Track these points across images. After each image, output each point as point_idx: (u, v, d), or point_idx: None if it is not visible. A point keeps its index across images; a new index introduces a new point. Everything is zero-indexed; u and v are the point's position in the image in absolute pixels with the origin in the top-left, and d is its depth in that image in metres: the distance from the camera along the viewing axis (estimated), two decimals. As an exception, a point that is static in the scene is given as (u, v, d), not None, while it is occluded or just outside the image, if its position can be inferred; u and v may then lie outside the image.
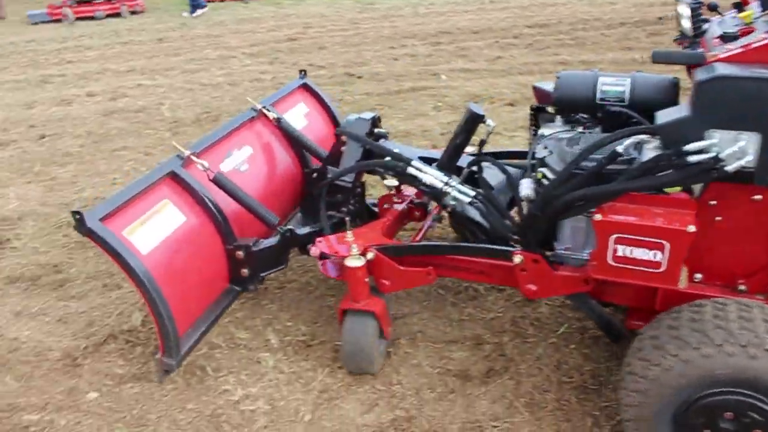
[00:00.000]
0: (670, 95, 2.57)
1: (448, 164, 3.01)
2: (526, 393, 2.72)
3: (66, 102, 7.66)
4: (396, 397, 2.74)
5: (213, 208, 2.81)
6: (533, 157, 2.61)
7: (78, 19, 14.03)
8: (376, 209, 3.46)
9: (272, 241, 2.97)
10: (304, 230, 3.09)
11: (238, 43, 10.61)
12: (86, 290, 3.67)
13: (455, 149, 3.02)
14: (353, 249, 2.72)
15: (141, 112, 6.98)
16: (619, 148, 2.16)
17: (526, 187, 2.54)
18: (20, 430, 2.65)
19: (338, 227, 3.12)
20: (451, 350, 3.00)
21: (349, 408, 2.70)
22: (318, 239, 2.90)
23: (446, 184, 2.77)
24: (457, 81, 7.49)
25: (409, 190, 3.38)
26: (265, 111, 3.41)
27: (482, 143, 2.98)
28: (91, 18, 14.14)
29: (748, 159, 1.99)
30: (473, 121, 2.93)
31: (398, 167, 2.86)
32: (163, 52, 10.34)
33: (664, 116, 2.19)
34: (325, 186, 3.15)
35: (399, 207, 3.30)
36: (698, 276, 2.32)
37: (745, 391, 1.93)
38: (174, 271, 2.58)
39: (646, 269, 2.14)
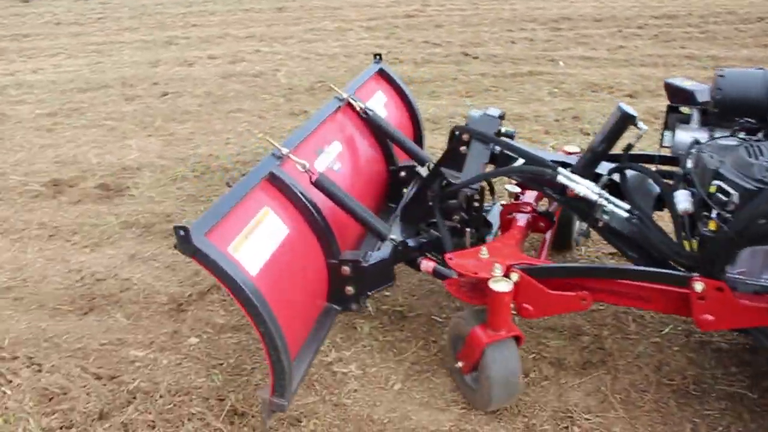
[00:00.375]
0: None
1: (584, 171, 2.63)
2: (623, 390, 2.61)
3: (188, 63, 7.95)
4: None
5: (317, 216, 2.46)
6: (688, 166, 2.37)
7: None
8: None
9: (383, 254, 2.61)
10: (415, 242, 2.76)
11: (356, 16, 10.68)
12: (195, 241, 3.80)
13: (596, 155, 2.64)
14: (496, 270, 2.37)
15: (258, 77, 7.15)
16: None
17: (684, 201, 2.27)
18: (126, 362, 2.79)
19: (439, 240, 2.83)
20: (548, 337, 2.92)
21: (439, 382, 2.68)
22: (448, 256, 2.54)
23: (600, 195, 2.47)
24: (576, 68, 7.24)
25: (530, 198, 3.11)
26: (351, 101, 3.14)
27: (629, 147, 2.58)
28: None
29: None
30: (623, 122, 2.53)
31: (546, 174, 2.54)
32: (282, 21, 10.54)
33: None
34: (448, 194, 2.84)
35: (525, 217, 2.98)
36: None
37: None
38: (283, 294, 2.25)
39: None
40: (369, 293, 2.60)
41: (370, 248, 2.71)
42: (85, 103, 6.50)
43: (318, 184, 2.51)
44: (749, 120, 2.46)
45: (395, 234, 2.69)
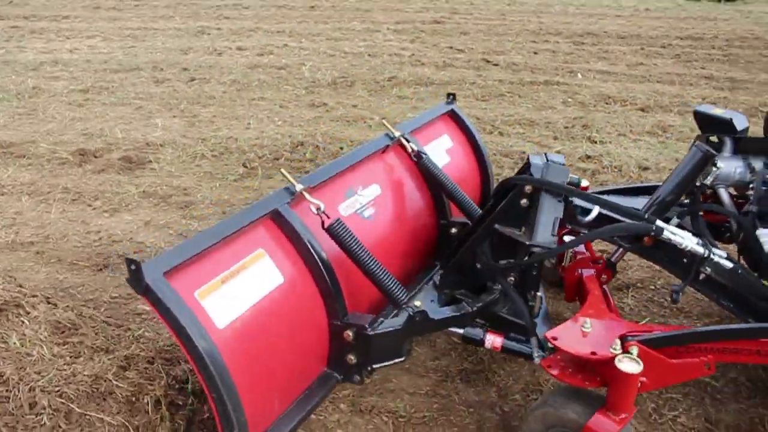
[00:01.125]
0: None
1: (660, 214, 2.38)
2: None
3: (217, 53, 8.23)
4: (468, 351, 2.88)
5: (322, 266, 2.08)
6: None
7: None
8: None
9: (397, 322, 2.18)
10: (442, 314, 2.36)
11: (384, 19, 10.92)
12: (207, 214, 4.02)
13: (669, 203, 2.44)
14: (617, 346, 2.02)
15: (283, 69, 7.40)
16: None
17: None
18: (134, 314, 3.01)
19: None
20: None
21: (421, 352, 2.86)
22: (551, 335, 2.14)
23: (706, 247, 2.20)
24: (593, 81, 7.40)
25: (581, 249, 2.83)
26: (403, 140, 2.73)
27: (702, 187, 2.43)
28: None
29: None
30: (703, 162, 2.36)
31: (649, 231, 2.19)
32: (313, 18, 10.81)
33: None
34: (531, 263, 2.34)
35: (591, 272, 2.66)
36: None
37: None
38: (257, 354, 1.88)
39: None
40: (374, 367, 2.19)
41: (388, 314, 2.30)
42: (115, 83, 6.78)
43: (330, 230, 2.10)
44: None
45: (420, 301, 2.27)
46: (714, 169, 2.39)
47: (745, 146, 2.54)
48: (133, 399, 2.14)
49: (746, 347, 2.10)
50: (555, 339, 2.12)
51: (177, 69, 7.36)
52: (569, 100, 6.58)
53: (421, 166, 2.74)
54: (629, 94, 6.87)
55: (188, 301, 1.69)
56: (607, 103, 6.50)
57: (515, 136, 5.44)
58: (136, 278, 1.65)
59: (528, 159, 2.44)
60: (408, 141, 2.73)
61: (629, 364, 1.96)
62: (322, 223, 2.10)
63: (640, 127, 5.84)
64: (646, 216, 2.27)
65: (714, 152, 2.36)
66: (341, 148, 4.95)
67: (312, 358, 2.13)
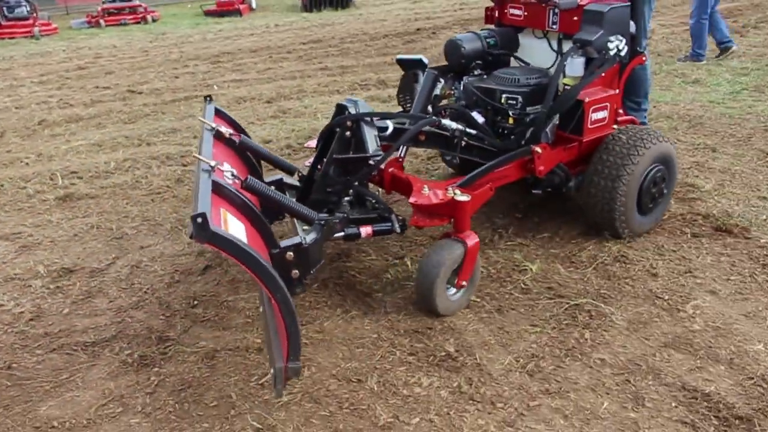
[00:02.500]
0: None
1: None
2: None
3: None
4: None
5: (253, 212, 2.72)
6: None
7: None
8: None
9: (316, 233, 2.94)
10: (337, 219, 3.13)
11: (27, 74, 11.06)
12: None
13: (424, 105, 3.93)
14: (450, 192, 3.24)
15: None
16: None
17: (479, 116, 3.71)
18: None
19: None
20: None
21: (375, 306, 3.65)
22: (412, 200, 3.27)
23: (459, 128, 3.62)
24: (228, 90, 8.59)
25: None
26: (221, 130, 3.33)
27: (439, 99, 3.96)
28: None
29: (625, 48, 3.56)
30: (435, 80, 3.95)
31: (436, 122, 3.55)
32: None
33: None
34: (367, 171, 3.32)
35: (396, 170, 3.73)
36: None
37: None
38: None
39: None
40: (309, 274, 2.87)
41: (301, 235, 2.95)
42: None
43: (247, 187, 2.82)
44: (478, 63, 3.94)
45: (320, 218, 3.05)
46: (440, 83, 3.88)
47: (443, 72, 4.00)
48: None
49: (503, 173, 3.53)
50: (415, 202, 3.26)
51: None
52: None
53: (234, 146, 3.41)
54: (258, 92, 8.16)
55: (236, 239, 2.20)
56: (239, 103, 7.71)
57: (160, 144, 6.36)
58: (202, 230, 2.08)
59: (338, 106, 3.41)
60: (224, 130, 3.34)
61: (463, 197, 3.20)
62: (239, 181, 2.78)
63: (265, 114, 7.11)
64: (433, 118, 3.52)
65: (438, 74, 3.88)
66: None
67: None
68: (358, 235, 3.23)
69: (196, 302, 3.56)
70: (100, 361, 3.12)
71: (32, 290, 3.79)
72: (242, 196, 2.68)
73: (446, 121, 3.55)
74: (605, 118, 3.79)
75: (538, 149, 3.56)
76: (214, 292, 3.65)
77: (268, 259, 2.56)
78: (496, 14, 4.25)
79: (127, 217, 4.71)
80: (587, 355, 2.98)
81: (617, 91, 3.88)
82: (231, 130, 3.44)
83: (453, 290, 3.30)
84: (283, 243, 2.81)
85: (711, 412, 2.62)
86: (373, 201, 3.37)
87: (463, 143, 3.63)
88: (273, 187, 3.15)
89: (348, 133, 3.31)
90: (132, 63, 11.37)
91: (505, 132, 3.72)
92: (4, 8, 16.51)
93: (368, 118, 3.33)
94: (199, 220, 2.06)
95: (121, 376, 3.01)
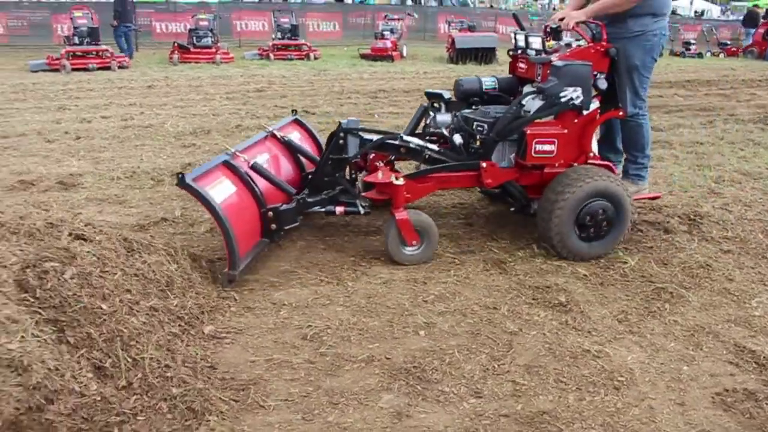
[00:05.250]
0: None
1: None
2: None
3: (86, 121, 9.89)
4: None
5: (252, 184, 4.29)
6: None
7: (73, 69, 16.32)
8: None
9: (291, 205, 4.47)
10: (314, 197, 4.62)
11: (215, 91, 13.11)
12: (139, 210, 5.92)
13: (412, 129, 5.26)
14: (392, 178, 4.48)
15: (149, 128, 9.30)
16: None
17: (459, 138, 4.85)
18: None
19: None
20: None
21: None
22: (368, 180, 4.67)
23: (425, 145, 4.79)
24: (387, 119, 10.09)
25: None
26: (275, 132, 5.15)
27: (426, 126, 5.22)
28: (85, 69, 16.46)
29: (580, 99, 4.52)
30: (423, 111, 5.24)
31: (398, 137, 4.80)
32: (154, 94, 12.73)
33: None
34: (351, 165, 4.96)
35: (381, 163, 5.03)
36: None
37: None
38: (235, 218, 3.98)
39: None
40: (285, 229, 4.46)
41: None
42: (9, 145, 8.31)
43: (253, 167, 4.40)
44: (475, 99, 5.15)
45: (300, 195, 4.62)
46: (431, 114, 5.06)
47: (449, 106, 5.16)
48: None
49: (450, 177, 4.73)
50: (365, 179, 4.72)
51: (59, 133, 8.98)
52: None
53: (284, 143, 5.14)
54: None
55: (203, 191, 3.85)
56: (396, 128, 9.14)
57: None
58: (182, 181, 3.78)
59: (339, 123, 4.77)
60: (276, 132, 5.13)
61: (398, 182, 4.49)
62: (249, 164, 4.40)
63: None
64: (399, 135, 4.79)
65: (428, 106, 5.14)
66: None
67: (256, 228, 4.39)
68: (334, 212, 4.68)
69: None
70: (310, 275, 4.47)
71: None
72: (243, 172, 4.27)
73: (408, 138, 4.72)
74: (553, 151, 4.62)
75: (484, 164, 4.62)
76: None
77: (258, 214, 4.34)
78: (510, 67, 5.51)
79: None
80: (664, 317, 4.04)
81: (566, 130, 4.64)
82: (284, 135, 5.22)
83: (409, 248, 4.59)
84: (270, 207, 4.35)
85: (753, 359, 3.60)
86: (346, 189, 4.73)
87: (427, 156, 4.70)
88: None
89: (341, 141, 4.67)
90: (301, 90, 13.20)
91: (472, 150, 4.75)
92: (194, 37, 19.13)
93: (354, 132, 4.70)
94: (180, 175, 3.77)
95: (324, 285, 4.33)
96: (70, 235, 3.55)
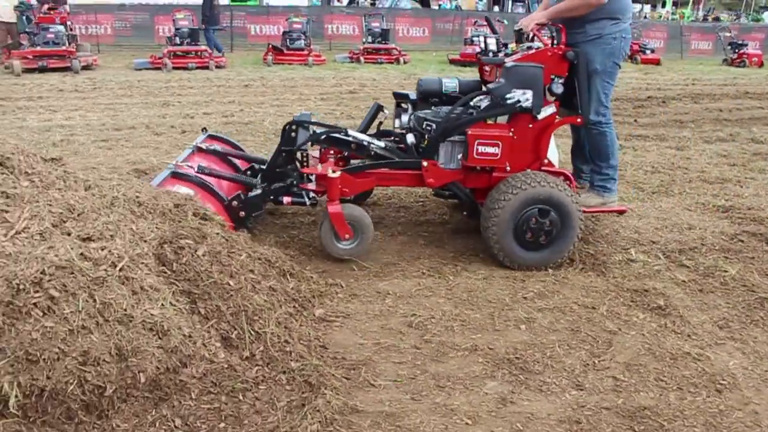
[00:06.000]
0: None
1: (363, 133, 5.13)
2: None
3: (189, 116, 10.43)
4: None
5: (208, 186, 4.56)
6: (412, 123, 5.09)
7: (174, 68, 17.10)
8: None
9: (255, 194, 4.75)
10: (271, 188, 4.80)
11: (309, 92, 13.53)
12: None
13: (365, 128, 5.49)
14: (329, 171, 4.57)
15: (249, 124, 9.73)
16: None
17: (412, 137, 4.95)
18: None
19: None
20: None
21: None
22: (308, 172, 4.85)
23: (372, 141, 4.85)
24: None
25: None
26: (200, 145, 5.39)
27: (379, 124, 5.44)
28: (185, 68, 17.23)
29: (529, 102, 4.49)
30: (377, 110, 5.47)
31: (342, 130, 4.89)
32: (251, 94, 13.24)
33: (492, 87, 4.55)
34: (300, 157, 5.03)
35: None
36: None
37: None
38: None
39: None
40: (252, 215, 4.74)
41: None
42: (122, 137, 8.85)
43: (200, 171, 4.66)
44: (435, 100, 5.13)
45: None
46: (383, 113, 5.36)
47: (416, 107, 5.19)
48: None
49: (391, 175, 4.76)
50: (304, 170, 4.87)
51: (165, 126, 9.50)
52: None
53: (212, 152, 5.39)
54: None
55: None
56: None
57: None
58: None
59: (293, 116, 4.97)
60: (200, 145, 5.43)
61: (333, 174, 4.53)
62: (194, 170, 4.64)
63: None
64: (344, 129, 4.86)
65: (382, 105, 5.42)
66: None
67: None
68: (282, 202, 4.82)
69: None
70: (412, 268, 4.65)
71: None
72: (193, 176, 4.55)
73: (353, 132, 4.83)
74: (496, 153, 4.52)
75: (425, 163, 4.63)
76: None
77: (222, 208, 4.53)
78: (479, 70, 5.42)
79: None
80: None
81: (512, 133, 4.55)
82: (209, 145, 5.51)
83: (343, 243, 4.62)
84: (233, 198, 4.60)
85: None
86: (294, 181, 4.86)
87: (373, 153, 4.77)
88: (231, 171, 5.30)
89: (293, 133, 4.78)
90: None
91: (421, 150, 4.78)
92: (288, 39, 19.71)
93: (305, 125, 4.86)
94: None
95: (426, 277, 4.50)
96: (195, 215, 3.86)
